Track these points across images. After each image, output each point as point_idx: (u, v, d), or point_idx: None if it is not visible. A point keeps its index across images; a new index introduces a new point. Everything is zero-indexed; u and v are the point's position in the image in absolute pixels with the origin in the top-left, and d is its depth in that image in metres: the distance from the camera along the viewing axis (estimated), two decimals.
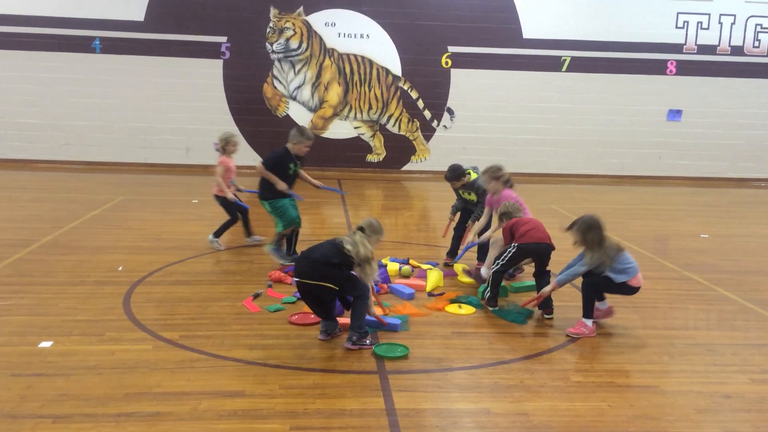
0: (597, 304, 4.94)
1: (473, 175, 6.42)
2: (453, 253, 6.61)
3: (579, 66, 13.95)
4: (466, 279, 6.10)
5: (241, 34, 13.34)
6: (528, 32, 13.70)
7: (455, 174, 6.42)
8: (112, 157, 13.37)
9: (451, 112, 13.93)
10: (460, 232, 6.61)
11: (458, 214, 6.79)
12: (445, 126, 13.99)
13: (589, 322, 4.80)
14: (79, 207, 8.93)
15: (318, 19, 13.43)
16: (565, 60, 13.90)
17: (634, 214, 10.36)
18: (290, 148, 6.36)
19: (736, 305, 5.69)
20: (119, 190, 10.58)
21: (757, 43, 14.18)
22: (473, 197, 6.44)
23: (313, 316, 4.85)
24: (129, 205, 9.31)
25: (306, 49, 13.47)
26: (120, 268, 6.06)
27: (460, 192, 6.60)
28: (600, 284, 4.84)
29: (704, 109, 14.30)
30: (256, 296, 5.40)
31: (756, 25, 14.10)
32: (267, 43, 13.41)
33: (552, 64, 13.91)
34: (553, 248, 5.27)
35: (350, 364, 4.15)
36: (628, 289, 4.85)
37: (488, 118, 13.98)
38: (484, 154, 14.06)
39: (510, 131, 14.05)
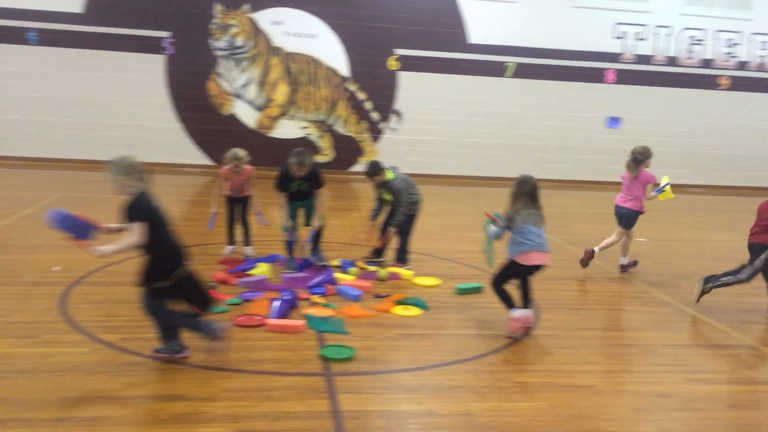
0: (511, 311, 4.82)
1: (390, 175, 6.40)
2: (376, 254, 6.63)
3: (523, 72, 14.24)
4: (417, 281, 6.14)
5: (185, 29, 13.08)
6: (473, 37, 13.91)
7: (370, 170, 6.41)
8: (50, 153, 12.91)
9: (398, 114, 14.01)
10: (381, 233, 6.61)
11: (382, 217, 6.75)
12: (393, 128, 14.05)
13: (516, 312, 4.78)
14: (12, 204, 8.58)
15: (264, 17, 13.30)
16: (507, 66, 14.16)
17: (576, 217, 10.62)
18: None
19: (671, 307, 5.90)
20: (57, 187, 10.22)
21: (690, 54, 14.76)
22: (389, 197, 6.47)
23: (258, 318, 4.80)
24: (67, 203, 8.99)
25: (252, 47, 13.32)
26: (56, 268, 5.86)
27: (379, 192, 6.59)
28: (500, 271, 4.84)
29: (642, 117, 14.80)
30: None
31: (690, 37, 14.69)
32: (211, 40, 13.19)
33: (497, 70, 14.16)
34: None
35: (296, 366, 4.12)
36: (519, 269, 4.76)
37: (436, 121, 14.13)
38: (432, 157, 14.23)
39: (457, 134, 14.23)
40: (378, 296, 5.62)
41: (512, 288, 4.86)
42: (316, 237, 6.38)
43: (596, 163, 14.76)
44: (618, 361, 4.55)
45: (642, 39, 14.58)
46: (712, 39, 14.78)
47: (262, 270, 6.02)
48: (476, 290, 5.90)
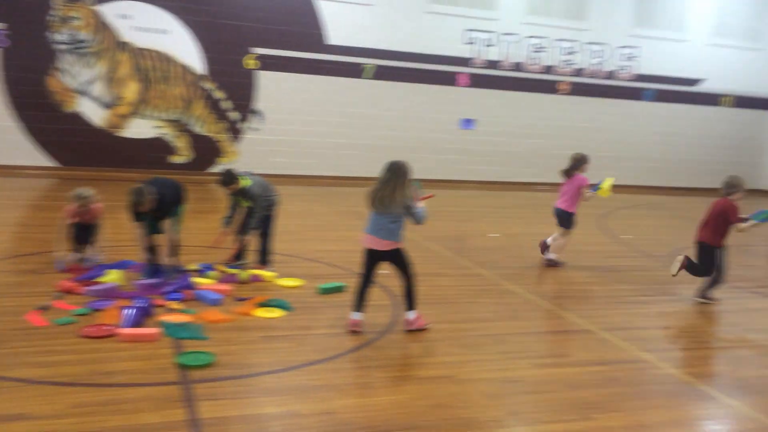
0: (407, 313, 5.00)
1: (246, 182, 6.33)
2: (237, 257, 6.54)
3: (381, 74, 14.53)
4: (280, 282, 6.08)
5: (22, 21, 12.06)
6: (331, 38, 14.00)
7: (225, 180, 6.27)
8: None
9: (258, 114, 13.79)
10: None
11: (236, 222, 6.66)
12: (253, 128, 13.80)
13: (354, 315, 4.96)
14: None
15: (110, 11, 12.56)
16: (366, 67, 14.40)
17: (436, 215, 10.94)
18: None
19: (520, 297, 6.29)
20: None
21: (534, 61, 15.79)
22: (248, 203, 6.41)
23: (108, 327, 4.53)
24: None
25: (97, 42, 12.53)
26: None
27: (235, 199, 6.48)
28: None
29: (493, 119, 15.62)
30: (43, 309, 4.92)
31: (533, 44, 15.71)
32: (51, 33, 12.26)
33: (356, 71, 14.34)
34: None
35: (150, 376, 3.94)
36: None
37: (297, 121, 14.06)
38: (295, 157, 14.14)
39: (319, 135, 14.25)
40: (239, 299, 5.50)
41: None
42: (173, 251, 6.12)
43: (453, 162, 15.38)
44: (473, 351, 4.78)
45: (491, 45, 15.39)
46: (552, 47, 15.91)
47: (112, 277, 5.69)
48: (338, 289, 5.95)
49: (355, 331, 4.89)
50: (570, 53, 16.07)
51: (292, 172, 13.94)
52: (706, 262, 6.39)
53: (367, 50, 14.32)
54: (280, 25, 13.61)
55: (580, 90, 16.28)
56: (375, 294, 5.79)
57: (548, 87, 16.02)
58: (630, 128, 16.82)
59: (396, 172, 4.87)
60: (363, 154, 14.62)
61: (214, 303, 5.33)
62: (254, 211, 6.31)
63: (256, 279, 6.12)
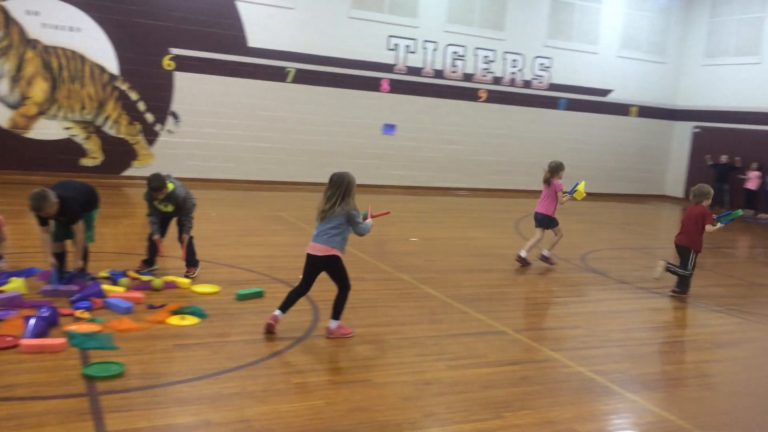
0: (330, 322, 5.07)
1: (171, 186, 6.19)
2: (148, 263, 6.40)
3: (304, 78, 14.47)
4: (195, 288, 5.94)
5: None
6: (253, 41, 13.83)
7: (156, 184, 6.06)
8: None
9: (175, 116, 13.44)
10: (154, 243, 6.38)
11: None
12: (169, 130, 13.44)
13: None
14: None
15: (17, 6, 11.97)
16: (289, 71, 14.31)
17: None
18: None
19: (438, 301, 6.40)
20: None
21: (454, 69, 16.13)
22: (170, 208, 6.28)
23: (10, 338, 4.31)
24: None
25: (2, 38, 11.91)
26: None
27: (156, 204, 6.28)
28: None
29: (414, 125, 15.84)
30: None
31: (453, 52, 16.04)
32: None
33: (279, 75, 14.22)
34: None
35: (55, 388, 3.77)
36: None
37: (216, 124, 13.80)
38: (212, 161, 13.86)
39: (238, 138, 14.02)
40: (152, 307, 5.35)
41: None
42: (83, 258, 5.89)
43: (375, 167, 15.49)
44: (390, 354, 4.83)
45: (412, 52, 15.61)
46: (472, 55, 16.29)
47: (15, 285, 5.41)
48: (257, 295, 5.88)
49: (270, 324, 4.90)
50: (489, 62, 16.50)
51: (211, 176, 13.68)
52: (684, 263, 7.15)
53: (289, 54, 14.23)
54: (200, 26, 13.34)
55: (499, 98, 16.74)
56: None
57: (468, 94, 16.39)
58: (545, 136, 17.42)
59: (339, 185, 4.97)
60: (284, 158, 14.52)
61: (125, 311, 5.16)
62: (186, 214, 6.30)
63: (170, 286, 5.97)
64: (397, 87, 15.54)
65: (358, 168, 15.30)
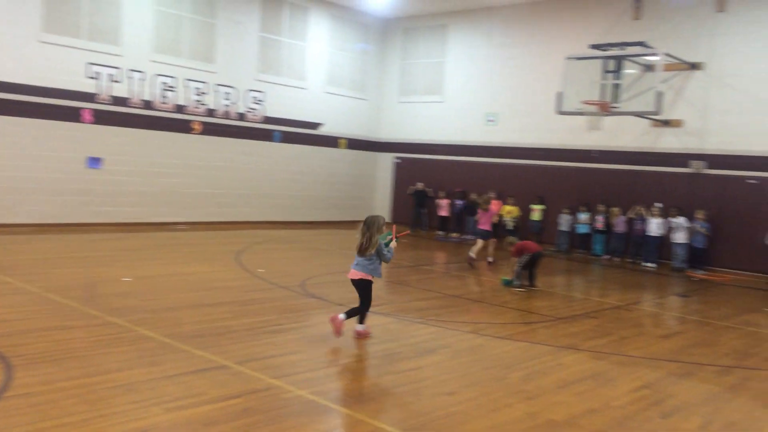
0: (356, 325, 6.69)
1: None
2: None
3: None
4: None
5: None
6: None
7: None
8: None
9: None
10: None
11: None
12: None
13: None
14: None
15: None
16: None
17: (58, 263, 10.03)
18: None
19: (155, 342, 6.09)
20: None
21: (164, 99, 15.65)
22: None
23: None
24: None
25: None
26: None
27: None
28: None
29: (123, 158, 14.97)
30: None
31: (162, 83, 15.57)
32: None
33: None
34: None
35: None
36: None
37: None
38: None
39: None
40: None
41: None
42: None
43: (79, 204, 14.26)
44: (100, 406, 4.46)
45: (117, 81, 14.78)
46: (183, 86, 15.97)
47: None
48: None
49: (335, 327, 6.50)
50: (201, 93, 16.34)
51: None
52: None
53: None
54: None
55: (214, 130, 16.66)
56: None
57: (181, 126, 16.02)
58: (263, 167, 17.78)
59: (370, 225, 6.53)
60: None
61: None
62: None
63: None
64: (102, 118, 14.56)
65: (61, 206, 13.98)
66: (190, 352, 5.84)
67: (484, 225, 12.69)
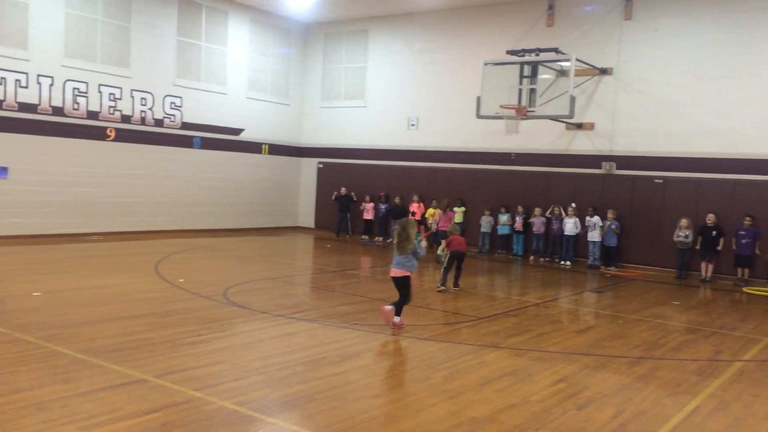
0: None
1: None
2: None
3: None
4: None
5: None
6: None
7: None
8: None
9: None
10: None
11: None
12: None
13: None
14: None
15: None
16: None
17: None
18: None
19: (68, 358, 5.84)
20: None
21: (76, 106, 15.04)
22: None
23: None
24: None
25: None
26: None
27: None
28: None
29: (31, 167, 14.29)
30: None
31: (74, 88, 14.96)
32: None
33: None
34: None
35: None
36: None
37: None
38: None
39: None
40: None
41: None
42: None
43: None
44: (10, 427, 4.24)
45: (24, 87, 14.10)
46: (96, 92, 15.39)
47: None
48: None
49: (386, 318, 7.56)
50: (116, 99, 15.80)
51: None
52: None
53: None
54: None
55: (130, 137, 16.14)
56: None
57: (95, 133, 15.44)
58: (182, 174, 17.35)
59: (406, 226, 7.56)
60: None
61: None
62: None
63: None
64: (7, 125, 13.86)
65: None
66: (106, 367, 5.63)
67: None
